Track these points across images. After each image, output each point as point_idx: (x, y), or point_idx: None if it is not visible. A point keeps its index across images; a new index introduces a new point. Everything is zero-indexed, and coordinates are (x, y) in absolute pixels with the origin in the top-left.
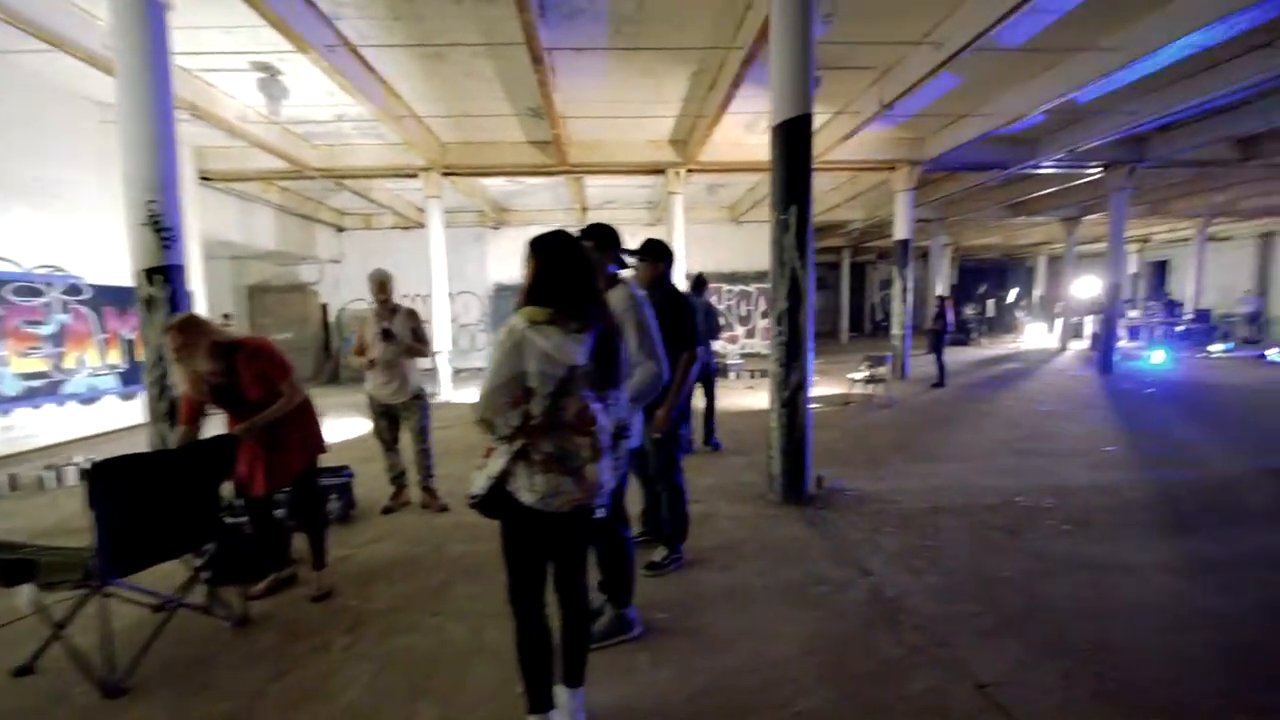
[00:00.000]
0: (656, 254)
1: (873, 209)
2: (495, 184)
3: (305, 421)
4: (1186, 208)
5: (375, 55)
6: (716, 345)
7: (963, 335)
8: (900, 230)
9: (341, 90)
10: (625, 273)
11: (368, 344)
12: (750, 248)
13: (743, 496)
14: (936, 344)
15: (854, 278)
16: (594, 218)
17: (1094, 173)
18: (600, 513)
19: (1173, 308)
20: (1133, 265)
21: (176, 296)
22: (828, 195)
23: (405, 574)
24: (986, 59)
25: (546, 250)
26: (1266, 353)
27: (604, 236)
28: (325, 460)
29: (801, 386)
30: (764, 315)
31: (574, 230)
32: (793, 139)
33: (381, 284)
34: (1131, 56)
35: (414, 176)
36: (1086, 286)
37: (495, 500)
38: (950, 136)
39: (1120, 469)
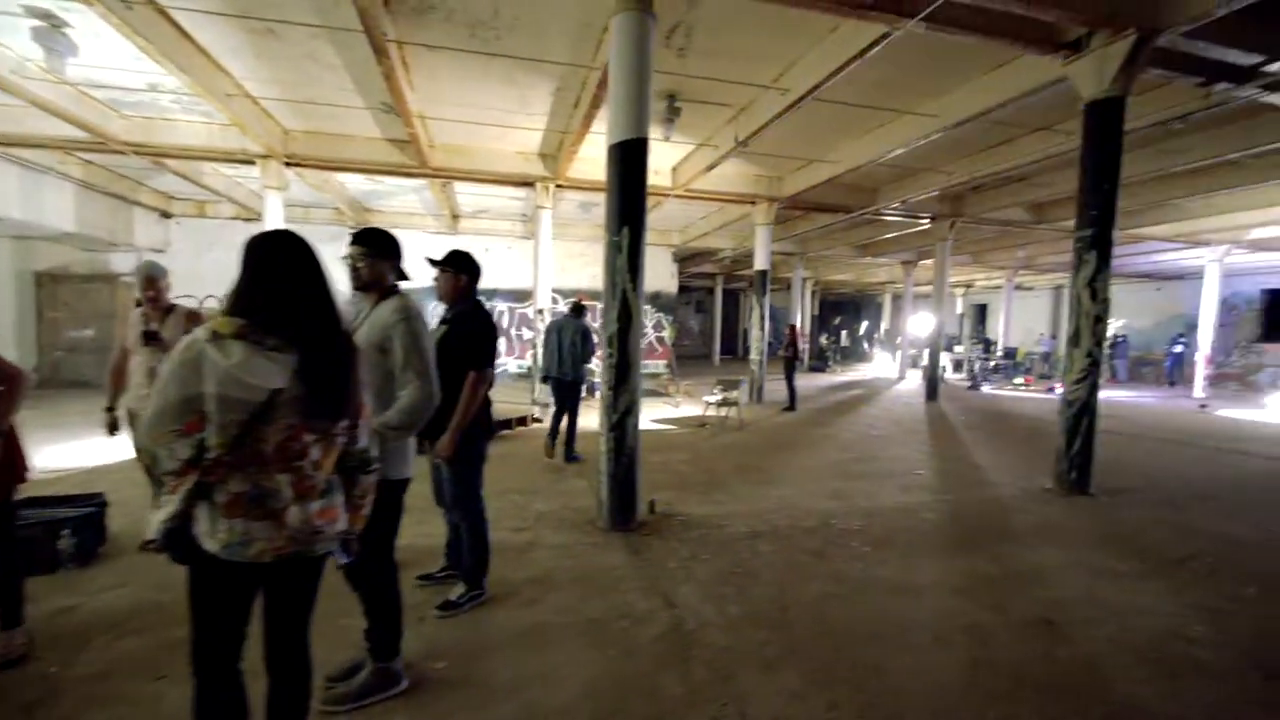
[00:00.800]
0: (459, 265)
1: (740, 239)
2: (353, 181)
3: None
4: (998, 260)
5: (191, 21)
6: (595, 365)
7: (821, 362)
8: (760, 261)
9: (148, 55)
10: (406, 283)
11: (130, 349)
12: None
13: (572, 523)
14: (788, 370)
15: (728, 303)
16: (466, 226)
17: (924, 223)
18: (342, 560)
19: (988, 345)
20: (960, 306)
21: None
22: (698, 223)
23: (140, 627)
24: (829, 109)
25: (250, 252)
26: (1055, 387)
27: (377, 242)
28: (83, 484)
29: (631, 410)
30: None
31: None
32: (627, 161)
33: (150, 279)
34: (944, 124)
35: (251, 163)
36: (921, 323)
37: (179, 544)
38: (803, 178)
39: (925, 491)
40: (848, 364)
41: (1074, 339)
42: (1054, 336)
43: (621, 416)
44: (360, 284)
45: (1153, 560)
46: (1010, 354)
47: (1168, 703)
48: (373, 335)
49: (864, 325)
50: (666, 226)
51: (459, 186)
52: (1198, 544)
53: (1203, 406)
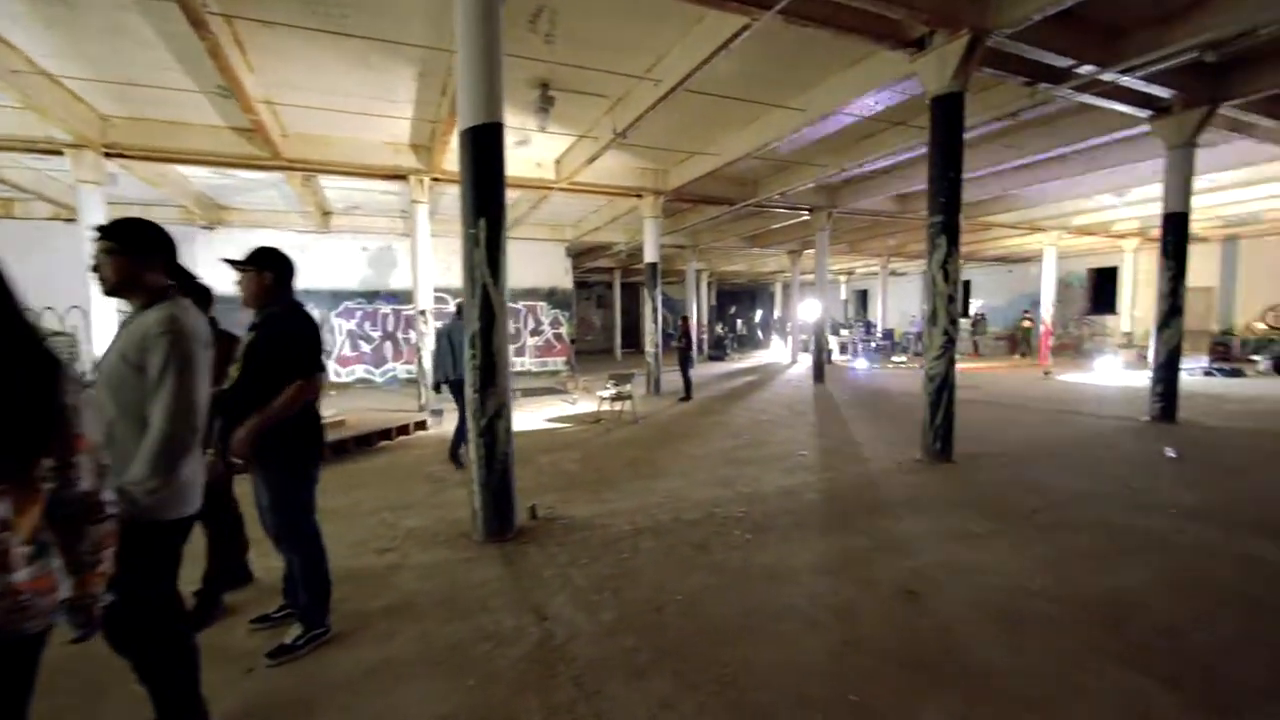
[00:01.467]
0: (262, 262)
1: (633, 233)
2: (197, 174)
3: None
4: (873, 248)
5: None
6: None
7: (719, 351)
8: (649, 254)
9: None
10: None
11: None
12: (516, 265)
13: (445, 539)
14: (682, 361)
15: (629, 297)
16: (340, 224)
17: (804, 215)
18: (75, 634)
19: (868, 328)
20: (844, 292)
21: None
22: (590, 218)
23: None
24: (705, 101)
25: None
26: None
27: (124, 235)
28: None
29: (501, 413)
30: (532, 333)
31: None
32: (481, 147)
33: None
34: (810, 118)
35: (59, 154)
36: (809, 309)
37: None
38: (687, 170)
39: (808, 471)
40: (744, 351)
41: (932, 318)
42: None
43: (491, 420)
44: (109, 287)
45: (1004, 519)
46: (889, 335)
47: (1018, 658)
48: (127, 348)
49: (759, 314)
50: (558, 221)
51: (325, 181)
52: (1042, 499)
53: (1046, 374)
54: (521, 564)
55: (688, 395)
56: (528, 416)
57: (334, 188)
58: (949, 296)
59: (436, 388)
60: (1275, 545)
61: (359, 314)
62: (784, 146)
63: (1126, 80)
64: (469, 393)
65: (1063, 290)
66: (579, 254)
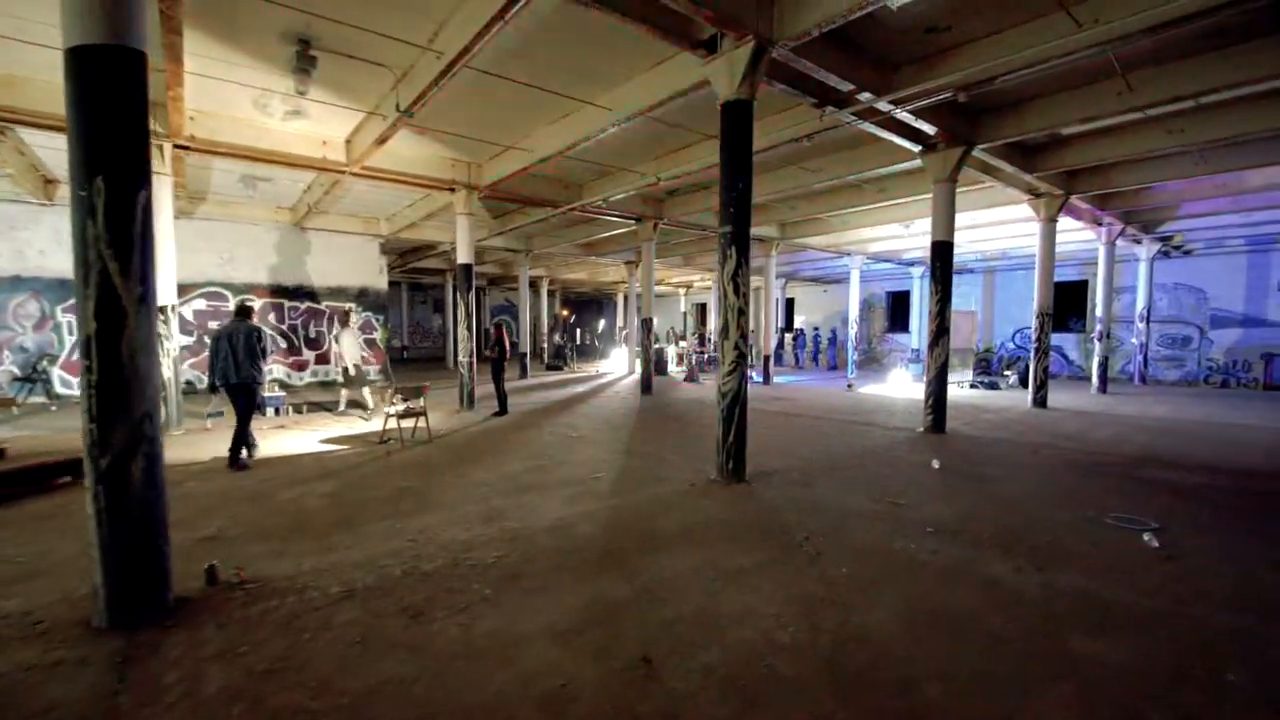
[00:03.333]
0: None
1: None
2: None
3: None
4: (706, 262)
5: None
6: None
7: (559, 361)
8: (462, 254)
9: None
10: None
11: None
12: (321, 259)
13: (53, 626)
14: (495, 372)
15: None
16: (64, 194)
17: (632, 224)
18: None
19: (702, 340)
20: (685, 304)
21: None
22: (405, 211)
23: None
24: (508, 88)
25: None
26: (752, 374)
27: None
28: None
29: (134, 450)
30: (336, 339)
31: None
32: (95, 78)
33: None
34: (617, 118)
35: None
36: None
37: None
38: (501, 165)
39: (595, 498)
40: (585, 361)
41: (724, 331)
42: (753, 330)
43: (118, 460)
44: None
45: (777, 547)
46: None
47: None
48: None
49: (601, 324)
50: (369, 213)
51: (31, 136)
52: (817, 521)
53: (849, 386)
54: (144, 665)
55: (502, 409)
56: (301, 438)
57: (45, 147)
58: (739, 310)
59: (213, 388)
60: (1012, 566)
61: None
62: (599, 149)
63: (901, 114)
64: (83, 422)
65: (867, 310)
66: (404, 252)
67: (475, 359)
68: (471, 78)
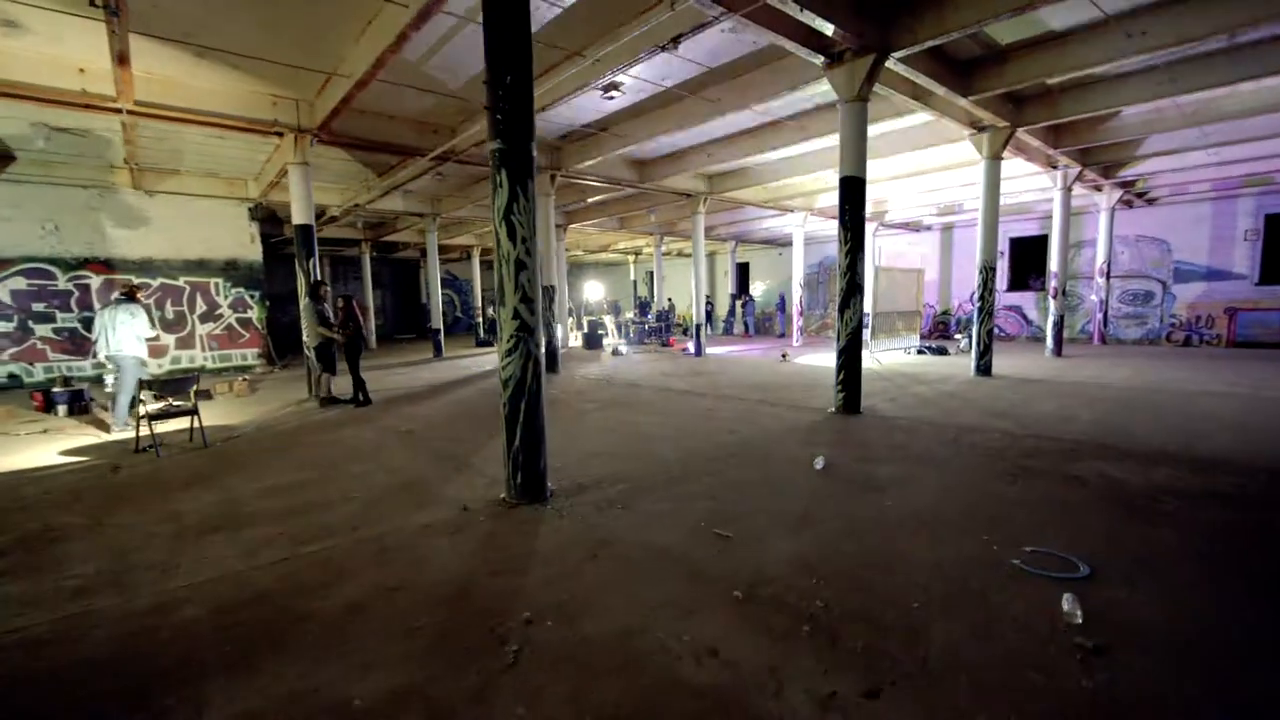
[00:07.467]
0: None
1: (353, 193)
2: None
3: None
4: (641, 224)
5: None
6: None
7: (492, 335)
8: (299, 214)
9: None
10: None
11: None
12: (175, 227)
13: None
14: (350, 354)
15: (402, 276)
16: None
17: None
18: None
19: (644, 309)
20: (634, 272)
21: None
22: (268, 169)
23: None
24: None
25: None
26: (687, 346)
27: None
28: None
29: None
30: (204, 318)
31: None
32: None
33: None
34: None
35: None
36: (593, 290)
37: None
38: (329, 99)
39: (309, 537)
40: None
41: (499, 295)
42: (709, 298)
43: None
44: None
45: (473, 640)
46: (662, 317)
47: None
48: None
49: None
50: (230, 172)
51: None
52: (580, 582)
53: (784, 357)
54: None
55: (360, 398)
56: (51, 445)
57: None
58: (518, 262)
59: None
60: (814, 697)
61: None
62: (445, 70)
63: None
64: None
65: (823, 274)
66: (375, 225)
67: (339, 340)
68: None
